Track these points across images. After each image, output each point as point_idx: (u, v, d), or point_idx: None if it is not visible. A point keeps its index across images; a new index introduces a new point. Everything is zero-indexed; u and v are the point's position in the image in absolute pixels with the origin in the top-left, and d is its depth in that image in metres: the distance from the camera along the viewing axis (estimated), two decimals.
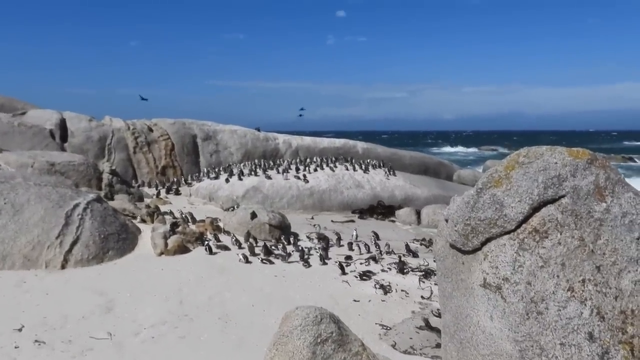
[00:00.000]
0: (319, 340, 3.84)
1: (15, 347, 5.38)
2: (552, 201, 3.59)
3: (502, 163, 3.84)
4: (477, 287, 3.75)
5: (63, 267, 8.22)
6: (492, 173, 3.79)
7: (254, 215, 11.13)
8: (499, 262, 3.64)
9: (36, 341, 5.54)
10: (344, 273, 8.72)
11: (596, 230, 3.54)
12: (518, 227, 3.64)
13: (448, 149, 69.97)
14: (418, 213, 15.28)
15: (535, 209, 3.61)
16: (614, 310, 3.42)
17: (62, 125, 19.01)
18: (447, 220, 4.21)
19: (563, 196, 3.58)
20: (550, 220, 3.56)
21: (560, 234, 3.53)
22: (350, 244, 10.58)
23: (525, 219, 3.62)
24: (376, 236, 11.38)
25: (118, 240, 9.24)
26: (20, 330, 5.80)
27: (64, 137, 18.72)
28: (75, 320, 6.23)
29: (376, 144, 25.68)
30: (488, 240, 3.76)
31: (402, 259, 9.61)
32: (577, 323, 3.38)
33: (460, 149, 69.01)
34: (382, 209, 16.34)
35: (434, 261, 9.92)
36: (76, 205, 9.24)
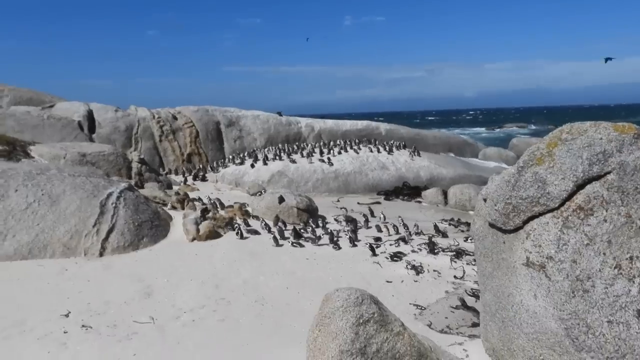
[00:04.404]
0: (361, 321, 3.89)
1: (65, 332, 5.60)
2: (597, 178, 3.53)
3: (544, 140, 3.77)
4: (520, 266, 3.73)
5: (101, 254, 8.47)
6: (534, 151, 3.72)
7: (281, 200, 11.22)
8: (542, 240, 3.61)
9: (83, 326, 5.75)
10: (374, 254, 8.76)
11: None
12: (562, 205, 3.59)
13: (471, 128, 68.72)
14: (445, 193, 15.16)
15: (580, 186, 3.55)
16: None
17: (90, 116, 19.37)
18: (485, 200, 4.17)
19: (609, 172, 3.50)
20: (596, 197, 3.50)
21: (606, 211, 3.47)
22: (378, 226, 10.59)
23: (569, 197, 3.57)
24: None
25: (151, 227, 9.45)
26: (67, 316, 6.02)
27: (91, 128, 19.09)
28: (117, 306, 6.43)
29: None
30: (530, 218, 3.72)
31: (432, 239, 9.58)
32: (625, 300, 3.34)
33: (483, 128, 67.71)
34: (408, 190, 16.28)
35: (465, 241, 9.86)
36: (110, 194, 9.46)
